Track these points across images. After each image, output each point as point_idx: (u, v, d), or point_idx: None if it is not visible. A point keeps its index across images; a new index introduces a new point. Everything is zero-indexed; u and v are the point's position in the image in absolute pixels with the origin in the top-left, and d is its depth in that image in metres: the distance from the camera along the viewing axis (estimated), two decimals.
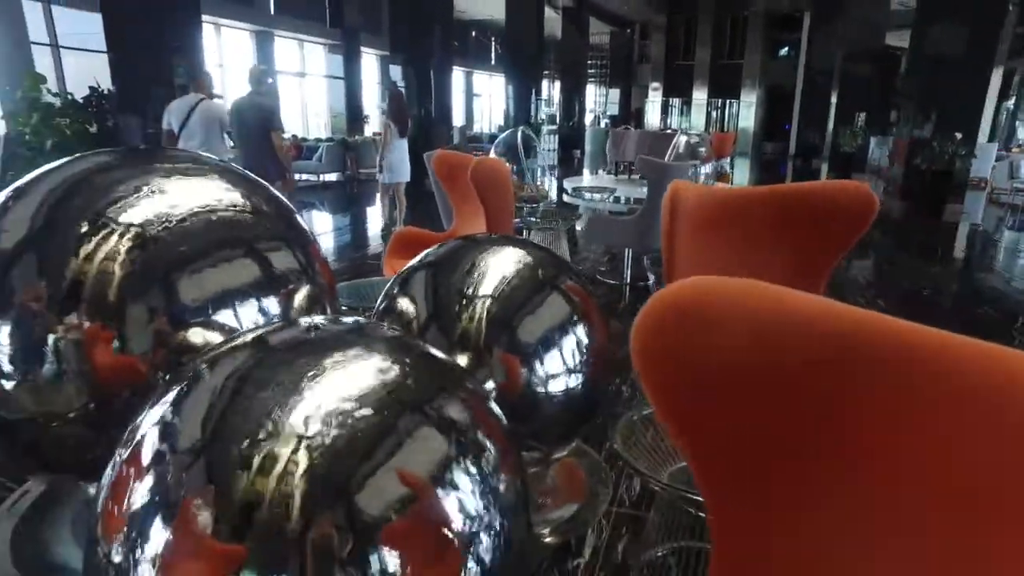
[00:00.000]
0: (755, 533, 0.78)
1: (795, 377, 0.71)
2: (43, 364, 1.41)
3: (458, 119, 25.91)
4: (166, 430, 0.94)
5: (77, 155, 2.00)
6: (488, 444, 1.06)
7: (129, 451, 0.94)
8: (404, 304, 2.01)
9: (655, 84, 26.04)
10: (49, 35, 9.87)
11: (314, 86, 18.72)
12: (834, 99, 15.83)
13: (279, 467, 0.89)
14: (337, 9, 18.29)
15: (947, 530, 0.64)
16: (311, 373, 1.05)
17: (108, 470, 0.87)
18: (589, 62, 28.03)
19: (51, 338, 1.45)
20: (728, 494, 0.78)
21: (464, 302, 2.03)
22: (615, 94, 29.39)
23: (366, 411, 1.00)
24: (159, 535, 0.80)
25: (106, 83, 5.85)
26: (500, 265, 2.04)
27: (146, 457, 0.93)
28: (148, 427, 0.86)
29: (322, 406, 0.98)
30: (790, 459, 0.74)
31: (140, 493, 0.87)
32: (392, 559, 0.74)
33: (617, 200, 5.48)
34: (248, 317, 1.83)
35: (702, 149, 14.98)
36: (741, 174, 17.31)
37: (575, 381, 1.93)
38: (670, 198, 1.95)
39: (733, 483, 0.78)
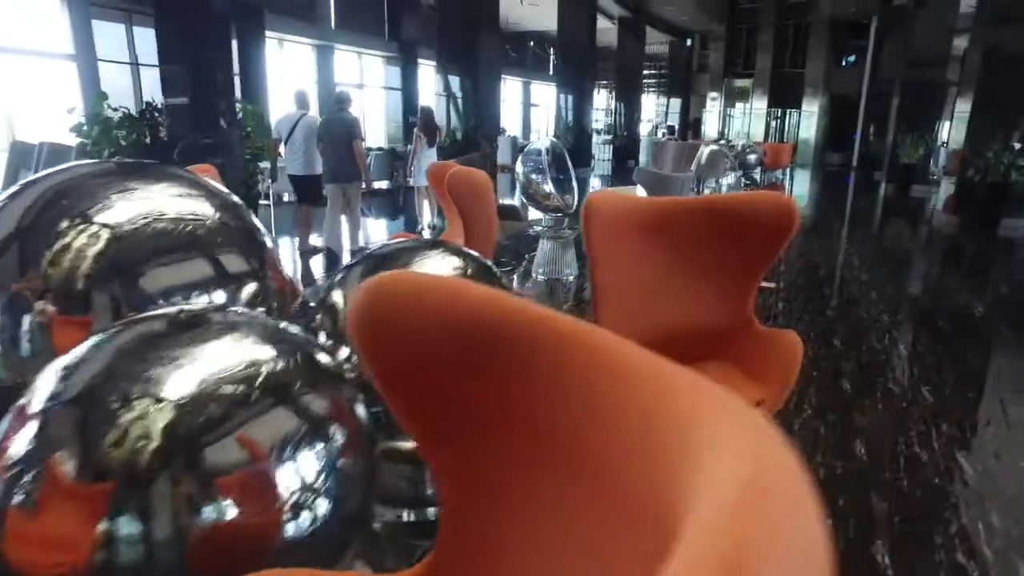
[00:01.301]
0: (457, 478, 0.91)
1: (466, 356, 0.84)
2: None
3: (515, 129, 26.27)
4: (51, 391, 1.18)
5: (73, 163, 2.26)
6: (336, 432, 1.24)
7: (17, 407, 1.18)
8: (334, 301, 2.20)
9: (713, 94, 25.64)
10: (129, 53, 10.65)
11: (373, 97, 19.35)
12: (895, 106, 15.23)
13: (140, 424, 1.12)
14: (395, 23, 18.93)
15: (571, 478, 0.77)
16: (178, 352, 1.28)
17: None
18: (648, 72, 27.87)
19: (27, 319, 1.73)
20: (428, 445, 0.92)
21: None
22: (676, 104, 29.10)
23: (222, 385, 1.22)
24: (34, 479, 1.04)
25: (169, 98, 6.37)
26: (422, 270, 2.20)
27: (31, 410, 1.16)
28: (38, 387, 1.11)
29: (184, 379, 1.19)
30: (471, 423, 0.87)
31: (20, 442, 1.11)
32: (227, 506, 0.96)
33: None
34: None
35: (752, 157, 14.73)
36: (801, 186, 16.86)
37: None
38: (585, 209, 2.05)
39: (430, 436, 0.91)
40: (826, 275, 5.74)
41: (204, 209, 2.10)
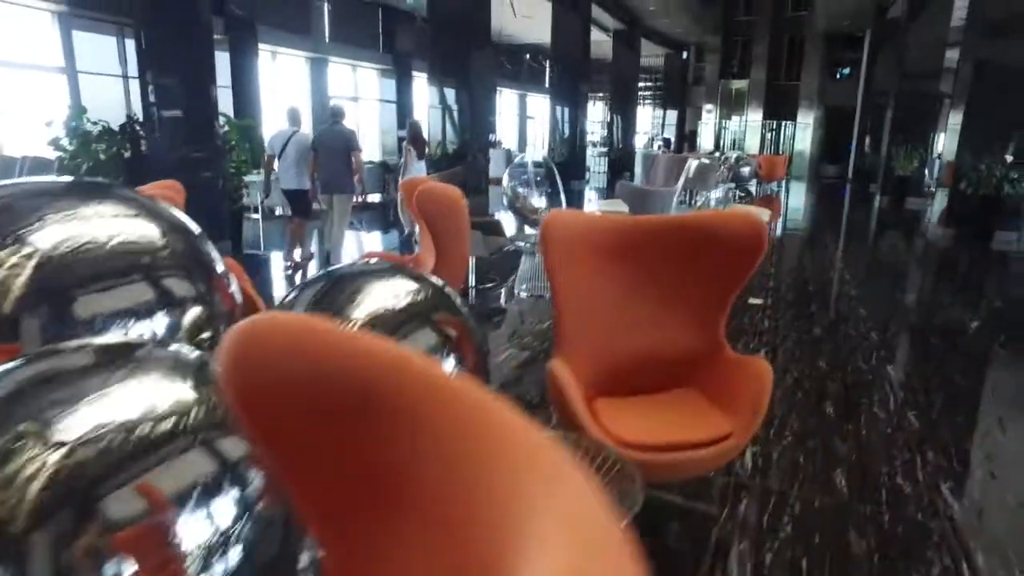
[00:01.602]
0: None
1: (329, 400, 0.74)
2: None
3: (511, 141, 26.27)
4: None
5: (19, 180, 2.17)
6: (250, 475, 1.12)
7: None
8: None
9: (708, 106, 25.66)
10: (120, 65, 10.59)
11: (367, 110, 19.33)
12: (889, 119, 15.21)
13: (26, 467, 1.00)
14: (389, 36, 18.96)
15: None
16: (80, 389, 1.16)
17: None
18: (644, 84, 27.91)
19: None
20: (300, 484, 0.81)
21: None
22: (672, 115, 29.13)
23: (122, 429, 1.10)
24: None
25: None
26: (375, 296, 2.10)
27: None
28: None
29: (82, 419, 1.07)
30: (345, 480, 0.76)
31: None
32: (124, 564, 0.84)
33: None
34: (136, 334, 1.94)
35: (745, 170, 14.68)
36: (796, 198, 16.81)
37: None
38: (542, 230, 1.95)
39: (299, 476, 0.80)
40: (816, 290, 5.64)
41: (148, 231, 2.01)
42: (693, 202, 7.30)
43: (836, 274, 6.43)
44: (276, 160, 6.10)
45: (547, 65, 25.96)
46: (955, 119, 9.66)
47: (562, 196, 7.50)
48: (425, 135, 12.11)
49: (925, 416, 3.00)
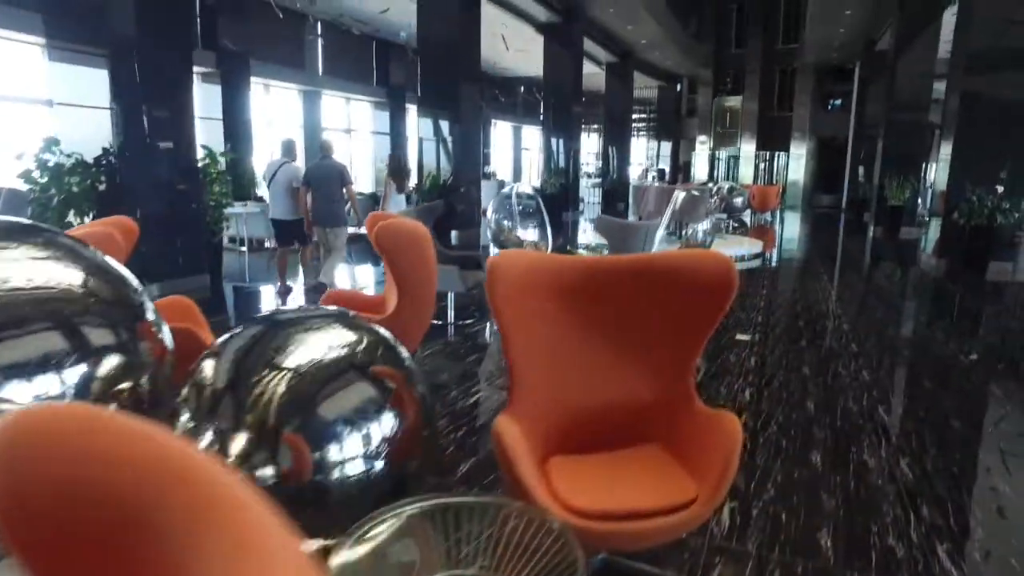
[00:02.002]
0: None
1: (90, 512, 0.56)
2: None
3: (506, 173, 26.34)
4: None
5: None
6: None
7: None
8: (203, 378, 1.91)
9: (702, 137, 25.81)
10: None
11: (361, 142, 19.36)
12: (880, 149, 15.23)
13: None
14: (383, 69, 19.09)
15: None
16: None
17: None
18: (638, 115, 28.11)
19: None
20: None
21: (258, 382, 1.90)
22: (667, 147, 29.30)
23: None
24: None
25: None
26: (310, 345, 1.92)
27: None
28: None
29: None
30: None
31: None
32: None
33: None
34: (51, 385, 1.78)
35: (738, 200, 14.63)
36: (791, 228, 16.74)
37: (375, 465, 1.78)
38: (488, 273, 1.78)
39: None
40: (807, 324, 5.47)
41: (68, 277, 1.87)
42: (682, 234, 7.17)
43: (828, 307, 6.27)
44: (266, 189, 6.35)
45: (541, 97, 26.19)
46: (945, 149, 9.61)
47: (548, 228, 7.37)
48: (414, 167, 12.10)
49: (919, 464, 2.80)
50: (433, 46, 11.66)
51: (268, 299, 6.61)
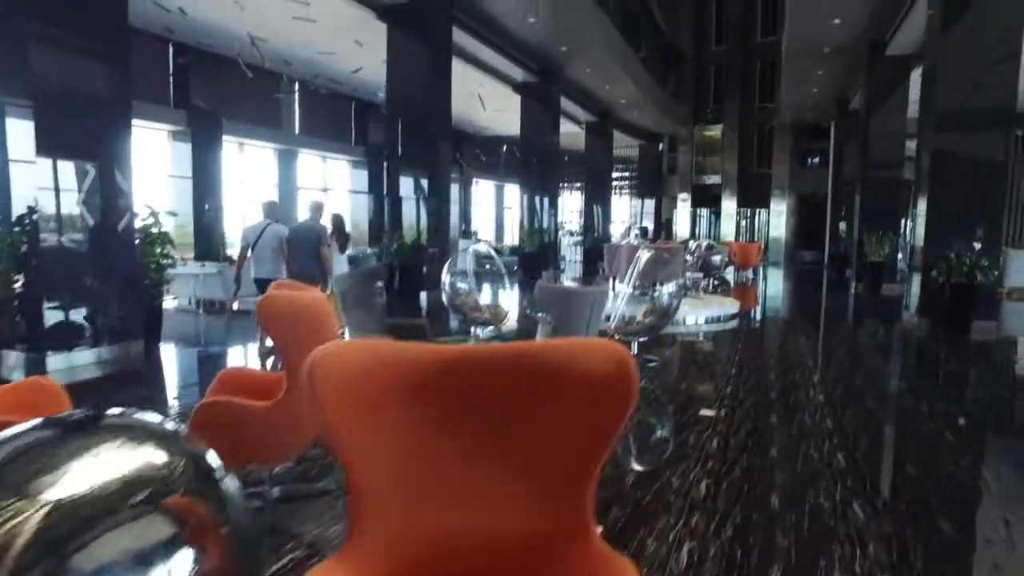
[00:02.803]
0: None
1: None
2: None
3: (488, 232, 26.23)
4: None
5: None
6: None
7: None
8: None
9: (683, 195, 25.91)
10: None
11: (338, 200, 19.17)
12: (857, 206, 15.16)
13: None
14: (362, 127, 19.08)
15: None
16: None
17: None
18: (619, 174, 28.28)
19: None
20: None
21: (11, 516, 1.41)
22: (650, 204, 29.41)
23: None
24: None
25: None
26: (86, 464, 1.45)
27: None
28: None
29: None
30: None
31: None
32: None
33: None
34: None
35: (716, 258, 14.37)
36: (774, 285, 16.50)
37: None
38: (309, 372, 1.36)
39: None
40: (780, 396, 5.04)
41: None
42: (654, 296, 6.80)
43: (805, 375, 5.85)
44: (250, 251, 6.29)
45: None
46: (921, 206, 9.44)
47: (507, 289, 6.99)
48: (386, 225, 11.83)
49: None
50: (404, 105, 11.53)
51: (215, 364, 6.12)
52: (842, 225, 19.65)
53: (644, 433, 4.08)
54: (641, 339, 6.06)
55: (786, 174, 23.57)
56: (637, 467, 3.46)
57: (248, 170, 15.82)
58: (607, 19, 16.10)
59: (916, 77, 13.87)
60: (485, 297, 6.53)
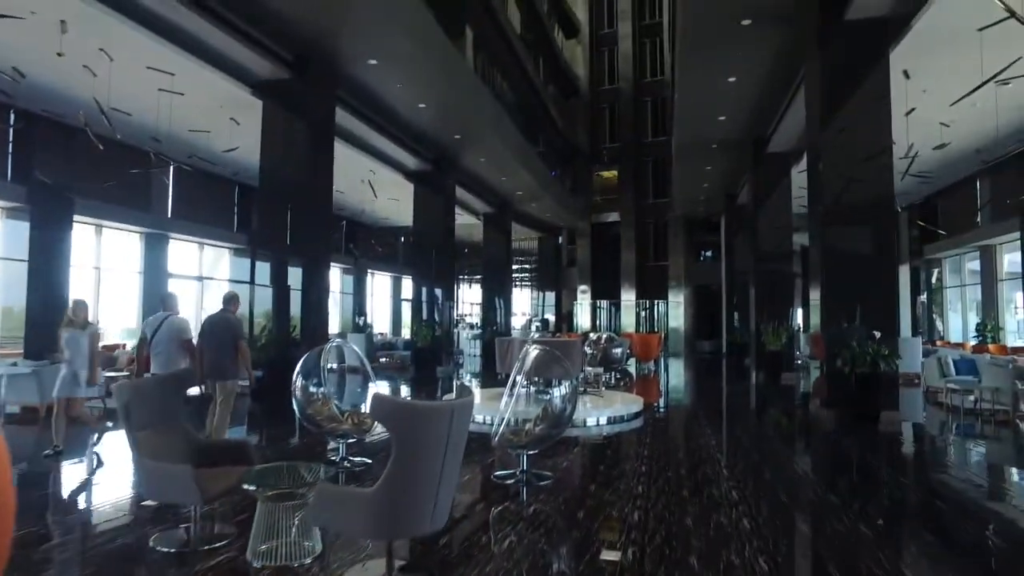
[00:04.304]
0: None
1: None
2: None
3: (383, 324, 24.92)
4: None
5: None
6: None
7: None
8: None
9: (583, 286, 25.91)
10: None
11: (218, 290, 17.43)
12: (752, 297, 15.30)
13: None
14: (245, 212, 17.79)
15: None
16: None
17: None
18: (520, 266, 28.09)
19: None
20: None
21: None
22: (551, 296, 29.24)
23: None
24: None
25: None
26: None
27: None
28: None
29: None
30: None
31: None
32: None
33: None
34: None
35: (617, 351, 13.87)
36: (676, 376, 16.13)
37: None
38: None
39: None
40: (698, 522, 4.17)
41: None
42: (545, 394, 5.90)
43: (720, 486, 5.04)
44: (148, 345, 6.00)
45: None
46: (814, 296, 9.32)
47: (371, 392, 5.90)
48: (258, 319, 10.50)
49: None
50: (279, 188, 10.53)
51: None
52: (735, 315, 19.96)
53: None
54: (531, 452, 5.10)
55: (682, 266, 24.10)
56: None
57: (108, 255, 14.08)
58: (501, 108, 16.07)
59: (795, 174, 14.55)
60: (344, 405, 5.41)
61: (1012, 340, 14.75)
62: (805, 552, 3.75)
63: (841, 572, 3.28)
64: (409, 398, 11.32)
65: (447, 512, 3.03)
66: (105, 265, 14.06)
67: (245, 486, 3.22)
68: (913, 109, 9.46)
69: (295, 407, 5.34)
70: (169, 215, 15.45)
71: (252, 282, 15.62)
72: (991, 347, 13.16)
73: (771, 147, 14.23)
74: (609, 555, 3.42)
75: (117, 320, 14.88)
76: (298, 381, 5.25)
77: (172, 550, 3.39)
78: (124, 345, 12.63)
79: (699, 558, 3.42)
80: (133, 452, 3.38)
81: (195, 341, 6.07)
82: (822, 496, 4.93)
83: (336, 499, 2.90)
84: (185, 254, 16.47)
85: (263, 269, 16.15)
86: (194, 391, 5.85)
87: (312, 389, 5.28)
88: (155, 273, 15.15)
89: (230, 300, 6.26)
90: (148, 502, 4.12)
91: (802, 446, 7.56)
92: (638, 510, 4.28)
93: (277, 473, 3.31)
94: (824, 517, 4.33)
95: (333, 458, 5.51)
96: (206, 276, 17.33)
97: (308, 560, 3.27)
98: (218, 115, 11.71)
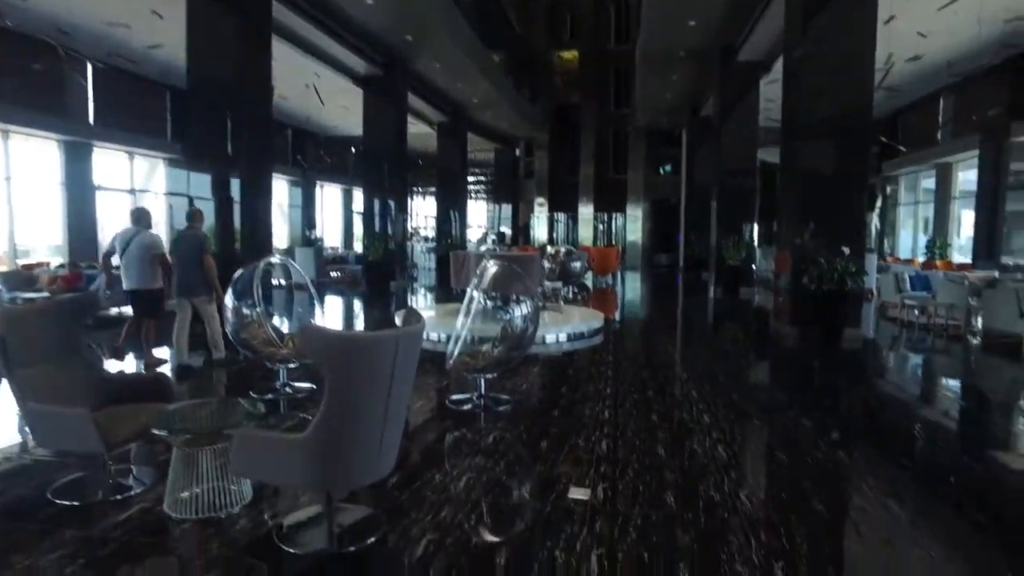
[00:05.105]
0: None
1: None
2: None
3: (334, 237, 24.03)
4: None
5: None
6: None
7: None
8: None
9: (540, 199, 25.32)
10: None
11: (155, 203, 16.25)
12: (714, 212, 15.04)
13: None
14: (179, 121, 16.38)
15: None
16: None
17: None
18: (476, 178, 27.20)
19: None
20: None
21: None
22: (508, 209, 28.58)
23: None
24: None
25: None
26: None
27: None
28: None
29: None
30: None
31: None
32: None
33: None
34: None
35: (576, 264, 13.55)
36: (632, 290, 15.99)
37: None
38: None
39: None
40: (672, 455, 3.91)
41: None
42: (504, 312, 5.49)
43: (688, 414, 4.81)
44: (116, 257, 5.93)
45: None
46: (786, 211, 9.03)
47: (317, 313, 5.40)
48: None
49: None
50: (209, 91, 9.50)
51: None
52: (694, 230, 19.75)
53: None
54: (489, 375, 4.73)
55: (641, 179, 23.64)
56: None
57: (20, 166, 12.78)
58: (455, 8, 14.84)
59: (764, 86, 13.99)
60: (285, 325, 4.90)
61: (958, 257, 14.98)
62: (789, 483, 3.53)
63: (825, 504, 3.06)
64: (360, 314, 10.85)
65: (394, 457, 2.63)
66: (18, 176, 12.79)
67: (155, 431, 2.74)
68: (893, 17, 8.92)
69: (227, 330, 4.81)
70: (91, 121, 14.03)
71: (190, 195, 14.55)
72: (939, 263, 13.31)
73: (741, 55, 13.56)
74: (578, 493, 3.11)
75: (38, 236, 13.75)
76: (230, 302, 4.70)
77: (75, 503, 2.92)
78: (48, 264, 11.68)
79: (676, 495, 3.14)
80: (15, 395, 2.83)
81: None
82: (796, 421, 4.74)
83: (261, 446, 2.45)
84: (113, 165, 15.15)
85: (203, 181, 14.99)
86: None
87: (246, 311, 4.73)
88: (79, 185, 13.89)
89: (193, 216, 6.19)
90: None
91: (769, 365, 7.46)
92: (606, 438, 3.99)
93: (194, 413, 2.84)
94: (800, 439, 4.12)
95: (276, 386, 5.06)
96: (140, 189, 16.08)
97: (237, 508, 2.86)
98: (136, 5, 10.38)
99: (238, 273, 4.82)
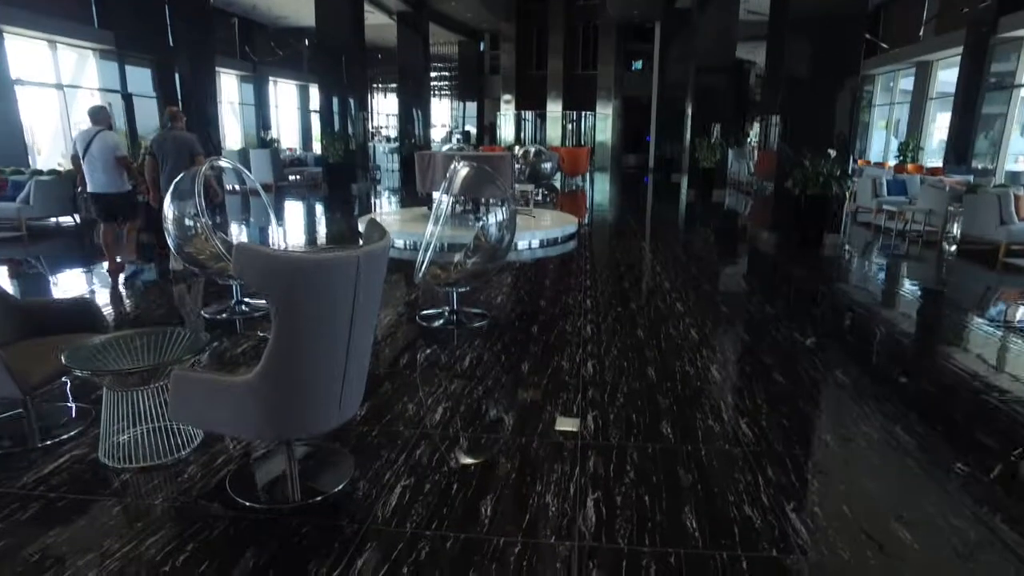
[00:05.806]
0: None
1: None
2: None
3: (291, 137, 22.71)
4: None
5: None
6: None
7: None
8: None
9: (507, 96, 24.17)
10: None
11: (79, 100, 14.88)
12: (689, 111, 14.45)
13: None
14: (111, 6, 14.72)
15: None
16: None
17: None
18: (439, 74, 25.74)
19: None
20: None
21: None
22: (473, 107, 27.33)
23: None
24: None
25: None
26: None
27: None
28: None
29: None
30: None
31: None
32: None
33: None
34: None
35: (547, 165, 13.00)
36: (601, 193, 15.55)
37: None
38: None
39: None
40: (659, 382, 3.66)
41: None
42: (478, 219, 5.08)
43: (674, 327, 4.56)
44: (81, 159, 5.61)
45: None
46: (774, 113, 8.58)
47: (273, 220, 4.90)
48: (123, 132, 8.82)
49: None
50: None
51: None
52: (665, 129, 19.14)
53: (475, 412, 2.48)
54: (462, 289, 4.37)
55: (612, 76, 22.62)
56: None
57: None
58: None
59: None
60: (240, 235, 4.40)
61: (930, 161, 14.78)
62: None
63: (785, 376, 3.18)
64: (322, 221, 10.26)
65: (360, 396, 2.28)
66: None
67: (76, 372, 2.33)
68: None
69: (169, 244, 4.31)
70: None
71: (125, 91, 13.28)
72: (909, 167, 13.11)
73: None
74: (566, 424, 2.85)
75: None
76: (169, 212, 4.16)
77: None
78: None
79: (672, 423, 2.90)
80: None
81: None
82: (786, 333, 4.54)
83: (202, 390, 2.07)
84: (34, 56, 13.65)
85: (141, 76, 13.65)
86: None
87: (189, 222, 4.21)
88: None
89: (174, 117, 5.88)
90: None
91: (756, 274, 7.26)
92: (592, 359, 3.72)
93: (118, 346, 2.42)
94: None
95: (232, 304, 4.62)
96: (69, 84, 14.64)
97: (184, 452, 2.52)
98: None
99: (179, 178, 4.25)
